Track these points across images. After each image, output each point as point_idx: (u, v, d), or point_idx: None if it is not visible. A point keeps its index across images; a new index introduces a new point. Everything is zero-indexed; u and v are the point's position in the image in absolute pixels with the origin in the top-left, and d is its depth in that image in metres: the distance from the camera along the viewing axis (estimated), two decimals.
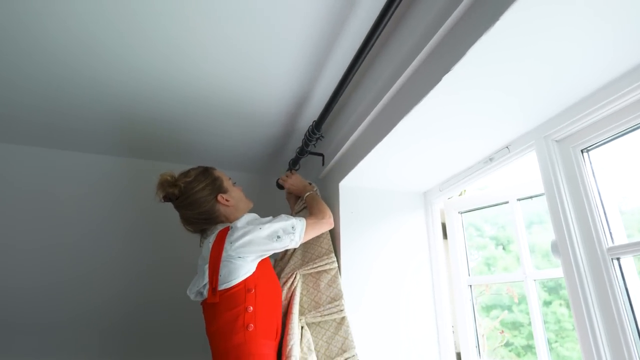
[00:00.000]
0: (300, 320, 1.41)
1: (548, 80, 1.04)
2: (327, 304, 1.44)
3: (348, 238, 1.63)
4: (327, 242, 1.60)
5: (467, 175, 1.57)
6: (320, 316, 1.42)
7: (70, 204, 2.07)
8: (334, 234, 1.65)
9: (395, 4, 1.01)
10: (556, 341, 1.72)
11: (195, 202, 1.36)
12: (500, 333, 2.20)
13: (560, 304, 1.78)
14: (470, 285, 1.67)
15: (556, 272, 1.40)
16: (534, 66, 0.98)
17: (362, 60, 1.22)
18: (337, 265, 1.54)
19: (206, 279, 1.25)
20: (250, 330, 1.19)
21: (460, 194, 1.90)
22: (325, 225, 1.50)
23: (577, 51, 0.92)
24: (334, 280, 1.50)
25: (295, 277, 1.51)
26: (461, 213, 1.77)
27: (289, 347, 1.27)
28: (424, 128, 1.27)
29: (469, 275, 1.69)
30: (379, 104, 1.35)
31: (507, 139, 1.35)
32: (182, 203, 1.37)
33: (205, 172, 1.43)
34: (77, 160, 2.14)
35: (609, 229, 1.08)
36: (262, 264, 1.31)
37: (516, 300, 2.09)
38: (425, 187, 1.80)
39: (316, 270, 1.53)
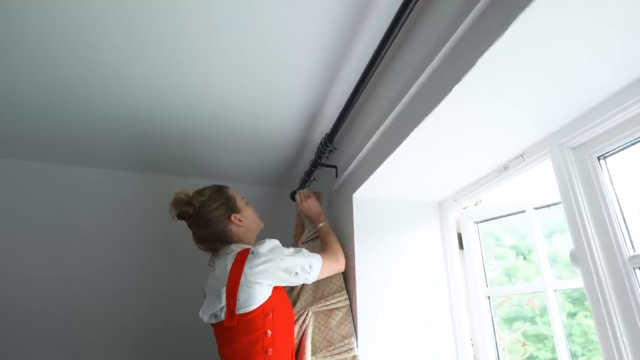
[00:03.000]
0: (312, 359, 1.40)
1: (562, 86, 1.03)
2: (337, 342, 1.42)
3: (363, 250, 1.63)
4: (339, 279, 1.59)
5: (482, 184, 1.56)
6: (330, 356, 1.40)
7: (87, 220, 2.12)
8: (348, 245, 1.65)
9: (405, 16, 1.02)
10: (583, 354, 1.67)
11: (209, 222, 1.38)
12: (522, 346, 2.14)
13: (586, 316, 1.73)
14: (489, 297, 1.64)
15: (577, 282, 1.36)
16: (547, 73, 0.97)
17: (373, 73, 1.24)
18: (349, 302, 1.54)
19: (223, 302, 1.24)
20: (269, 354, 1.20)
21: (476, 204, 1.88)
22: (339, 267, 1.52)
23: (592, 56, 0.91)
24: (346, 318, 1.49)
25: (308, 314, 1.50)
26: (477, 223, 1.75)
27: None
28: (437, 138, 1.27)
29: (487, 286, 1.65)
30: (391, 115, 1.36)
31: (522, 147, 1.34)
32: (196, 222, 1.39)
33: (220, 192, 1.44)
34: (97, 177, 2.18)
35: (630, 238, 1.05)
36: (276, 288, 1.31)
37: (537, 312, 2.04)
38: (440, 197, 1.79)
39: (328, 307, 1.53)
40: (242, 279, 1.23)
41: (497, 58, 0.89)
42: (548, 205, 1.52)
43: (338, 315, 1.49)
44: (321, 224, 1.64)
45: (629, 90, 1.01)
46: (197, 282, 2.11)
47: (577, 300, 1.87)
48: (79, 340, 1.99)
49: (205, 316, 1.30)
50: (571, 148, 1.20)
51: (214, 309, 1.26)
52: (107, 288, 2.08)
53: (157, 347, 2.09)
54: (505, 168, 1.43)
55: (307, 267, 1.33)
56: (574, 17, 0.79)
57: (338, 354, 1.40)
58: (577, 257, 1.13)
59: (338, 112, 1.59)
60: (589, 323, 1.69)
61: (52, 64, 1.38)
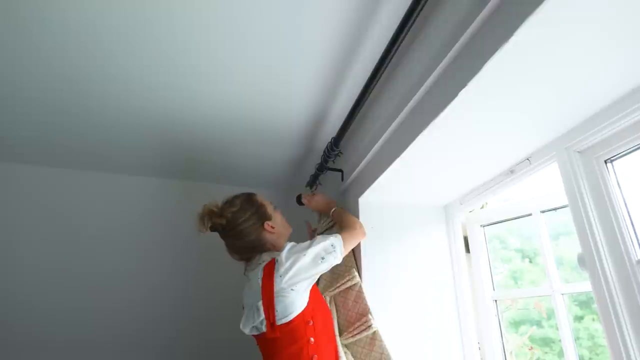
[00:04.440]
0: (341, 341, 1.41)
1: (567, 91, 1.03)
2: (356, 321, 1.43)
3: (369, 254, 1.63)
4: (349, 259, 1.60)
5: (487, 187, 1.56)
6: (352, 336, 1.41)
7: (91, 223, 2.15)
8: (355, 250, 1.65)
9: (412, 20, 1.03)
10: (590, 358, 1.66)
11: (243, 232, 1.36)
12: (529, 350, 2.13)
13: (593, 319, 1.72)
14: (495, 300, 1.64)
15: (585, 285, 1.36)
16: (553, 76, 0.98)
17: (379, 77, 1.25)
18: (359, 279, 1.53)
19: (262, 315, 1.23)
20: None
21: (482, 207, 1.88)
22: (360, 235, 1.49)
23: (597, 59, 0.92)
24: (359, 295, 1.49)
25: (325, 299, 1.51)
26: (483, 226, 1.75)
27: None
28: (443, 142, 1.28)
29: (494, 289, 1.65)
30: (397, 119, 1.36)
31: (528, 150, 1.34)
32: (230, 233, 1.37)
33: (250, 200, 1.42)
34: (109, 182, 2.22)
35: (638, 240, 1.05)
36: (313, 292, 1.31)
37: (545, 315, 2.03)
38: (446, 201, 1.79)
39: (342, 289, 1.53)
40: (276, 289, 1.22)
41: (503, 63, 0.90)
42: (555, 209, 1.53)
43: (352, 295, 1.49)
44: (333, 209, 1.63)
45: (636, 94, 1.01)
46: (219, 287, 2.15)
47: (584, 303, 1.86)
48: (96, 342, 2.01)
49: (246, 329, 1.30)
50: (578, 151, 1.20)
51: (254, 322, 1.26)
52: (125, 294, 2.11)
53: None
54: (512, 171, 1.43)
55: (329, 248, 1.32)
56: (577, 25, 0.80)
57: (358, 333, 1.40)
58: (585, 261, 1.13)
59: (344, 116, 1.61)
60: (596, 327, 1.68)
61: (70, 71, 1.41)
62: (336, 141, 1.58)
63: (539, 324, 2.04)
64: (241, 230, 1.35)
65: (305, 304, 1.24)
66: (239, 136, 1.85)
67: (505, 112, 1.12)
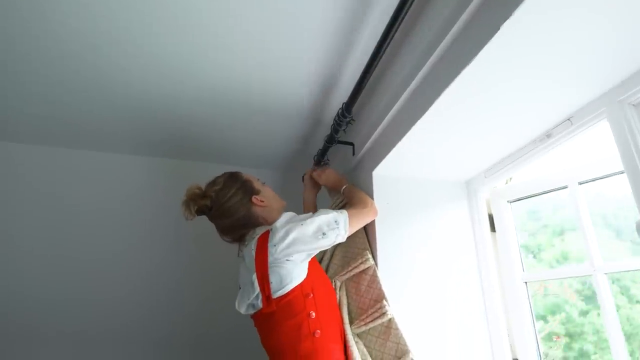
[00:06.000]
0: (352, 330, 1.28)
1: (622, 31, 0.86)
2: (369, 308, 1.28)
3: (384, 233, 1.47)
4: (362, 241, 1.45)
5: (519, 157, 1.39)
6: (364, 324, 1.26)
7: (85, 204, 2.00)
8: (368, 229, 1.49)
9: None
10: (595, 352, 1.58)
11: (230, 209, 1.29)
12: (556, 339, 1.97)
13: (598, 314, 1.61)
14: (526, 282, 1.47)
15: (635, 262, 1.20)
16: (606, 15, 0.81)
17: (394, 34, 1.08)
18: (373, 262, 1.38)
19: (257, 289, 1.16)
20: (317, 336, 1.12)
21: (506, 182, 1.72)
22: (370, 214, 1.37)
23: None
24: (373, 280, 1.34)
25: (335, 284, 1.38)
26: (510, 202, 1.58)
27: None
28: (468, 104, 1.12)
29: (523, 270, 1.49)
30: (415, 80, 1.20)
31: (570, 109, 1.17)
32: (217, 213, 1.31)
33: (233, 177, 1.36)
34: (100, 161, 2.07)
35: None
36: (312, 265, 1.21)
37: (573, 300, 1.87)
38: (468, 175, 1.62)
39: (354, 273, 1.39)
40: (270, 260, 1.14)
41: None
42: (594, 179, 1.36)
43: (365, 279, 1.35)
44: (344, 186, 1.52)
45: None
46: (214, 271, 2.02)
47: (589, 298, 1.74)
48: (89, 332, 1.86)
49: (242, 307, 1.23)
50: (633, 105, 1.03)
51: (249, 298, 1.18)
52: (121, 277, 1.96)
53: (175, 341, 1.97)
54: (549, 136, 1.27)
55: (332, 223, 1.22)
56: None
57: (372, 321, 1.26)
58: None
59: (355, 81, 1.43)
60: (602, 322, 1.57)
61: (64, 42, 1.28)
62: (348, 107, 1.41)
63: (568, 310, 1.89)
64: (228, 207, 1.29)
65: (303, 276, 1.17)
66: (238, 110, 1.68)
67: (545, 64, 0.96)
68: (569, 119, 1.19)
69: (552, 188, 1.45)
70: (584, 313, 1.72)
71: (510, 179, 1.71)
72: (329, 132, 1.62)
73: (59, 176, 1.98)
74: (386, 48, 1.15)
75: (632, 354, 1.43)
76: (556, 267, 1.64)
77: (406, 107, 1.30)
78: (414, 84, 1.21)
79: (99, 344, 1.85)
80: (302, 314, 1.13)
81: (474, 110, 1.16)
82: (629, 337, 1.58)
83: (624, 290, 1.57)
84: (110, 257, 1.96)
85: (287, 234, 1.17)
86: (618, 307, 1.62)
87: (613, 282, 1.64)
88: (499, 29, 0.83)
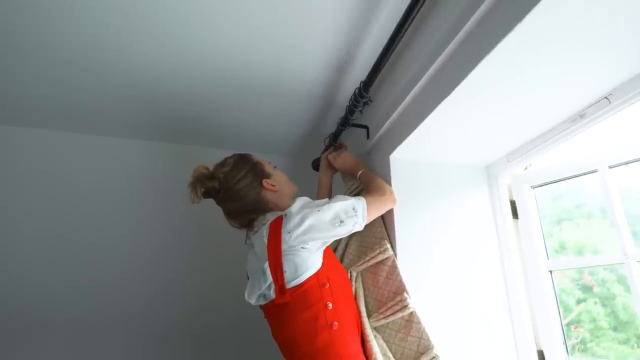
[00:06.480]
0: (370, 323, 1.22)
1: None
2: (389, 301, 1.21)
3: (403, 220, 1.39)
4: (379, 229, 1.38)
5: (545, 140, 1.31)
6: (384, 317, 1.20)
7: (84, 190, 1.92)
8: (386, 217, 1.42)
9: None
10: (591, 340, 1.56)
11: (239, 193, 1.22)
12: (574, 328, 1.93)
13: (595, 302, 1.62)
14: (551, 271, 1.41)
15: None
16: None
17: (420, 6, 1.00)
18: (392, 252, 1.31)
19: (269, 279, 1.09)
20: (335, 328, 1.05)
21: (526, 168, 1.64)
22: (389, 202, 1.30)
23: None
24: (392, 271, 1.27)
25: (351, 275, 1.31)
26: (534, 188, 1.51)
27: (374, 356, 1.10)
28: (498, 81, 1.04)
29: (548, 258, 1.43)
30: (441, 56, 1.11)
31: (608, 86, 1.09)
32: (225, 196, 1.24)
33: (243, 158, 1.29)
34: (102, 145, 1.98)
35: None
36: (327, 253, 1.14)
37: (595, 290, 1.81)
38: (489, 159, 1.55)
39: (370, 264, 1.32)
40: (284, 247, 1.07)
41: None
42: (627, 162, 1.28)
43: (384, 270, 1.28)
44: (361, 171, 1.44)
45: None
46: (218, 259, 1.95)
47: (586, 287, 1.71)
48: (89, 319, 1.80)
49: (252, 298, 1.16)
50: None
51: (260, 288, 1.11)
52: (121, 264, 1.90)
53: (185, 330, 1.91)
54: (582, 116, 1.19)
55: (350, 210, 1.14)
56: None
57: (392, 314, 1.19)
58: None
59: (372, 59, 1.35)
60: (598, 310, 1.61)
61: (59, 23, 1.20)
62: (366, 86, 1.33)
63: (587, 300, 1.84)
64: (237, 190, 1.22)
65: (319, 264, 1.10)
66: (244, 90, 1.59)
67: (583, 37, 0.88)
68: (606, 97, 1.11)
69: (580, 172, 1.38)
70: (580, 302, 1.69)
71: (530, 164, 1.64)
72: (342, 114, 1.54)
73: (56, 160, 1.90)
74: (410, 23, 1.07)
75: (626, 341, 1.44)
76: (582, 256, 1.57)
77: (429, 87, 1.21)
78: (437, 63, 1.13)
79: (98, 332, 1.79)
80: (319, 304, 1.07)
81: (504, 91, 1.08)
82: (624, 325, 1.58)
83: (621, 279, 1.55)
84: (110, 243, 1.90)
85: (302, 220, 1.09)
86: (614, 296, 1.61)
87: (610, 272, 1.62)
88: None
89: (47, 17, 1.20)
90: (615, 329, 1.57)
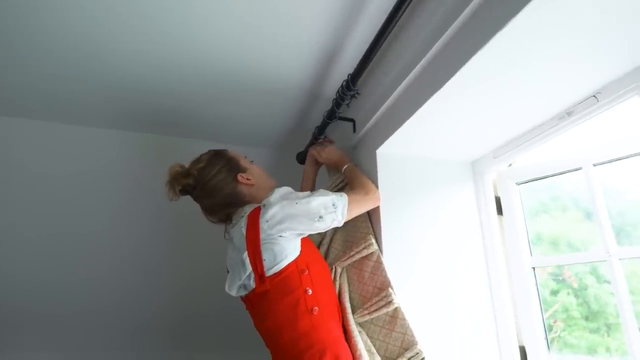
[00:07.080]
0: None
1: None
2: (374, 297, 1.20)
3: (389, 216, 1.38)
4: (364, 225, 1.36)
5: (532, 137, 1.31)
6: (368, 313, 1.19)
7: (68, 180, 1.84)
8: (372, 212, 1.40)
9: None
10: (564, 330, 1.60)
11: (214, 188, 1.24)
12: (554, 323, 1.97)
13: (568, 293, 1.67)
14: (534, 268, 1.42)
15: None
16: None
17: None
18: (376, 247, 1.30)
19: (249, 269, 1.10)
20: (315, 313, 1.07)
21: (509, 165, 1.65)
22: (371, 202, 1.30)
23: None
24: (377, 266, 1.26)
25: (335, 271, 1.30)
26: (519, 184, 1.52)
27: (359, 352, 1.09)
28: (488, 77, 1.03)
29: (531, 255, 1.44)
30: (431, 50, 1.09)
31: (596, 84, 1.09)
32: (201, 192, 1.26)
33: (218, 155, 1.31)
34: (81, 136, 1.88)
35: None
36: (305, 242, 1.15)
37: (575, 285, 1.85)
38: (475, 155, 1.54)
39: (355, 259, 1.31)
40: (262, 236, 1.09)
41: None
42: (610, 161, 1.29)
43: (369, 266, 1.28)
44: (346, 166, 1.43)
45: None
46: (196, 253, 1.91)
47: (560, 280, 1.77)
48: (65, 314, 1.75)
49: (233, 289, 1.17)
50: None
51: (240, 279, 1.12)
52: (97, 257, 1.84)
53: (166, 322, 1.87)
54: (569, 114, 1.19)
55: (330, 206, 1.15)
56: None
57: (377, 310, 1.19)
58: None
59: (361, 51, 1.32)
60: (571, 300, 1.66)
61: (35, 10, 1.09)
62: (354, 78, 1.30)
63: (566, 295, 1.87)
64: (213, 186, 1.24)
65: (297, 252, 1.12)
66: (228, 81, 1.53)
67: (572, 35, 0.88)
68: (594, 96, 1.11)
69: (564, 170, 1.38)
70: (554, 292, 1.73)
71: (514, 161, 1.65)
72: (328, 107, 1.50)
73: (30, 150, 1.80)
74: (401, 15, 1.04)
75: (597, 330, 1.49)
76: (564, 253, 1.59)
77: (419, 81, 1.20)
78: (428, 56, 1.11)
79: (74, 327, 1.74)
80: (299, 290, 1.09)
81: (494, 86, 1.08)
82: (595, 315, 1.62)
83: (593, 271, 1.60)
84: (87, 234, 1.84)
85: (281, 210, 1.11)
86: (586, 287, 1.65)
87: (584, 265, 1.66)
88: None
89: (25, 4, 1.12)
90: (586, 318, 1.60)
